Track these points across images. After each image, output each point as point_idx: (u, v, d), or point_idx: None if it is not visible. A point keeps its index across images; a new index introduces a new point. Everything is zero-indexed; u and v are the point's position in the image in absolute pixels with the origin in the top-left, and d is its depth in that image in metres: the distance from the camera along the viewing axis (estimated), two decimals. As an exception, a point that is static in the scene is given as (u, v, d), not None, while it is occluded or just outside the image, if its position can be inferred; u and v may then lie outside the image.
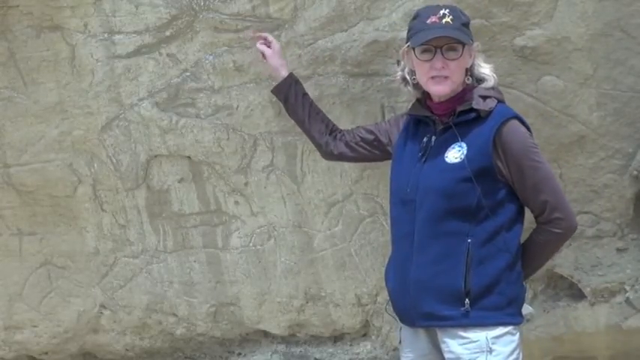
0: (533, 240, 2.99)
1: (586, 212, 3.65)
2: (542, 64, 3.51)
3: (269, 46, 3.55)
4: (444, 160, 2.93)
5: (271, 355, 4.32)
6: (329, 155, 3.49)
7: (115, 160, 4.13)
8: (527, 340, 3.70)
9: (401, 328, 3.11)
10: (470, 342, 2.88)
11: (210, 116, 3.98)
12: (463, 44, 2.95)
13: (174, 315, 4.31)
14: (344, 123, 3.82)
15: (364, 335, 4.17)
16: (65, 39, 4.04)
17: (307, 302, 4.12)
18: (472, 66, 3.02)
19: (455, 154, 2.91)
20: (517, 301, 2.96)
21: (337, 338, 4.23)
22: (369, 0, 3.67)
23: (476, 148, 2.90)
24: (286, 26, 3.79)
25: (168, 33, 3.94)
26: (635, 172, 3.57)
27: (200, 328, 4.30)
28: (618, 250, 3.69)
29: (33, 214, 4.31)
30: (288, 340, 4.29)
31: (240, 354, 4.39)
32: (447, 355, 2.94)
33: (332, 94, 3.81)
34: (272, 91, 3.53)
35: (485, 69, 3.03)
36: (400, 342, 3.13)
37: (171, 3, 3.89)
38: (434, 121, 3.02)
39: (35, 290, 4.42)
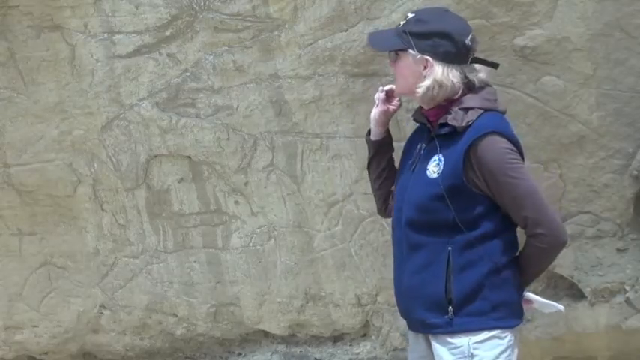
0: (523, 251, 2.96)
1: (586, 212, 3.65)
2: (542, 64, 3.51)
3: (392, 103, 3.22)
4: (425, 173, 2.91)
5: (271, 355, 4.32)
6: (388, 215, 3.36)
7: (115, 160, 4.13)
8: (527, 340, 3.70)
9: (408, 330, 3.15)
10: (454, 347, 2.89)
11: (210, 116, 3.98)
12: (402, 51, 2.92)
13: (175, 315, 4.31)
14: (344, 123, 3.83)
15: (364, 335, 4.18)
16: (65, 39, 4.04)
17: (307, 302, 4.12)
18: (436, 77, 2.88)
19: (434, 168, 2.89)
20: (505, 305, 2.91)
21: (337, 338, 4.23)
22: (369, 0, 3.67)
23: (449, 165, 2.86)
24: (286, 26, 3.79)
25: (168, 33, 3.94)
26: (635, 172, 3.57)
27: (200, 328, 4.30)
28: (618, 250, 3.69)
29: (33, 214, 4.31)
30: (288, 340, 4.29)
31: (240, 354, 4.39)
32: (436, 359, 2.97)
33: (332, 94, 3.81)
34: (366, 140, 3.30)
35: (474, 74, 2.93)
36: (408, 343, 3.16)
37: (171, 3, 3.89)
38: (428, 128, 3.00)
39: (35, 290, 4.42)
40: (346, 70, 3.76)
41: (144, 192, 4.16)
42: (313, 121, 3.88)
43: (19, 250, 4.39)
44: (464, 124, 2.85)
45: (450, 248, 2.86)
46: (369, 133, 3.27)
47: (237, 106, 3.95)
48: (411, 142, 3.10)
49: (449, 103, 2.91)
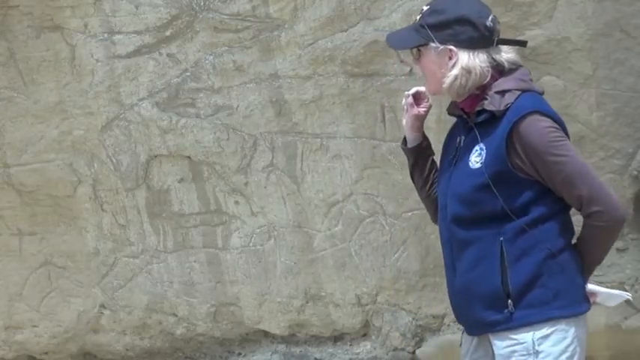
0: (581, 235, 2.80)
1: (586, 212, 3.65)
2: (542, 64, 3.51)
3: (421, 106, 3.03)
4: (467, 165, 2.76)
5: (271, 355, 4.32)
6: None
7: (115, 160, 4.13)
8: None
9: (463, 331, 2.94)
10: (517, 343, 2.73)
11: (210, 116, 3.98)
12: (424, 46, 2.78)
13: (174, 315, 4.31)
14: (344, 123, 3.83)
15: (364, 335, 4.17)
16: (65, 39, 4.04)
17: (307, 302, 4.12)
18: (463, 67, 2.77)
19: (476, 157, 2.75)
20: (567, 292, 2.77)
21: (337, 338, 4.23)
22: (369, 0, 3.67)
23: (492, 152, 2.72)
24: (286, 26, 3.79)
25: (168, 33, 3.94)
26: (635, 172, 3.56)
27: (200, 328, 4.30)
28: (618, 250, 3.69)
29: (33, 214, 4.31)
30: (288, 340, 4.29)
31: (240, 354, 4.39)
32: (497, 358, 2.80)
33: (332, 94, 3.81)
34: (403, 149, 3.09)
35: (504, 56, 2.79)
36: (461, 345, 2.95)
37: (171, 3, 3.89)
38: (465, 120, 2.83)
39: (35, 290, 4.42)
40: (346, 70, 3.76)
41: (144, 192, 4.16)
42: (313, 121, 3.88)
43: (19, 250, 4.39)
44: (502, 108, 2.72)
45: (501, 239, 2.71)
46: (404, 142, 3.06)
47: (237, 106, 3.95)
48: (450, 138, 2.94)
49: (482, 90, 2.78)
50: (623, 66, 3.48)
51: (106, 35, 4.00)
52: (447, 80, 2.77)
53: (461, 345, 2.96)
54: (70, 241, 4.31)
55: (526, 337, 2.72)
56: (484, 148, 2.74)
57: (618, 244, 3.68)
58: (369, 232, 3.95)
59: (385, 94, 3.75)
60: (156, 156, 4.10)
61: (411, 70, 3.70)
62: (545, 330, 2.73)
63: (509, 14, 3.48)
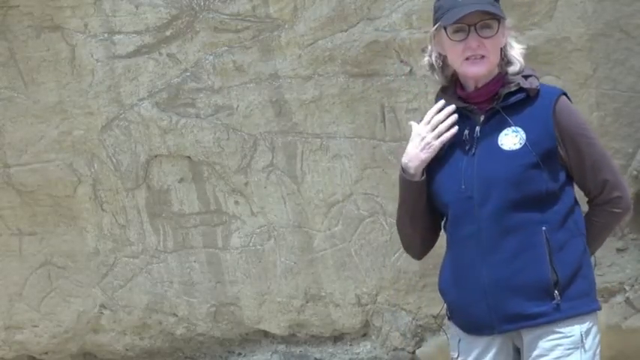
0: (592, 222, 2.76)
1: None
2: (542, 64, 3.51)
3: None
4: (499, 148, 2.67)
5: (271, 355, 4.32)
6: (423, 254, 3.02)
7: (115, 160, 4.13)
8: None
9: (459, 340, 2.79)
10: (564, 337, 2.65)
11: (210, 116, 3.98)
12: (498, 20, 2.69)
13: (175, 315, 4.31)
14: (344, 123, 3.82)
15: (364, 335, 4.17)
16: (65, 39, 4.04)
17: (307, 302, 4.12)
18: (505, 46, 2.74)
19: (512, 139, 2.67)
20: (595, 285, 2.76)
21: (337, 338, 4.23)
22: (369, 0, 3.67)
23: (537, 131, 2.66)
24: (286, 26, 3.79)
25: (168, 33, 3.94)
26: (635, 172, 3.56)
27: (200, 328, 4.30)
28: (618, 250, 3.69)
29: (33, 214, 4.31)
30: (288, 340, 4.29)
31: (240, 354, 4.39)
32: (532, 355, 2.68)
33: (332, 94, 3.81)
34: (406, 180, 2.78)
35: (515, 51, 2.77)
36: (458, 356, 2.80)
37: (171, 3, 3.89)
38: (471, 111, 2.73)
39: (35, 290, 4.42)
40: (346, 70, 3.76)
41: (144, 192, 4.16)
42: (313, 121, 3.88)
43: (19, 250, 4.39)
44: (534, 87, 2.69)
45: (544, 228, 2.64)
46: (408, 175, 2.76)
47: (237, 106, 3.95)
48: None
49: (496, 78, 2.73)
50: (623, 66, 3.48)
51: (106, 35, 4.00)
52: (518, 58, 2.74)
53: (458, 356, 2.81)
54: (70, 241, 4.31)
55: (574, 330, 2.66)
56: (519, 129, 2.67)
57: (618, 244, 3.68)
58: (369, 232, 3.95)
59: (385, 94, 3.75)
60: (156, 156, 4.10)
61: (411, 70, 3.70)
62: (588, 323, 2.69)
63: (509, 14, 3.45)
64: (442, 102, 2.75)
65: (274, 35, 3.80)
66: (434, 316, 3.98)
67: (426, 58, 2.82)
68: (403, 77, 3.73)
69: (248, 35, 3.85)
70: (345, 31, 3.73)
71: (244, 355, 4.38)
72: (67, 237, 4.31)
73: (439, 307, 3.89)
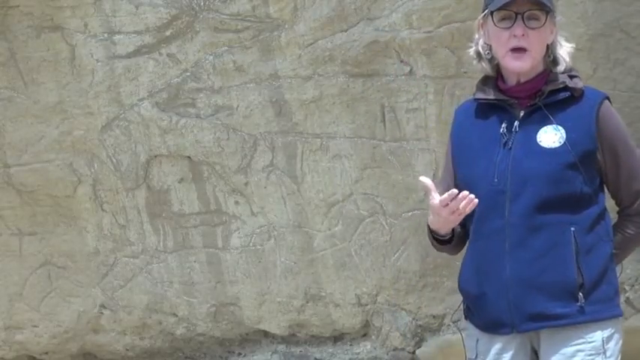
0: (621, 233, 2.73)
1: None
2: (542, 64, 3.51)
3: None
4: (538, 145, 2.63)
5: (271, 355, 4.32)
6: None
7: (115, 160, 4.13)
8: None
9: (477, 340, 2.74)
10: (585, 342, 2.62)
11: (210, 116, 3.98)
12: (547, 12, 2.65)
13: (175, 315, 4.31)
14: (344, 123, 3.82)
15: (364, 335, 4.17)
16: (65, 39, 4.04)
17: (307, 302, 4.12)
18: (553, 43, 2.70)
19: (551, 137, 2.63)
20: (619, 292, 2.74)
21: (337, 338, 4.23)
22: (369, 0, 3.67)
23: (579, 131, 2.62)
24: (286, 26, 3.79)
25: (168, 33, 3.94)
26: (635, 172, 3.56)
27: (200, 328, 4.30)
28: (618, 250, 3.68)
29: (33, 214, 4.31)
30: (288, 340, 4.29)
31: (240, 354, 4.39)
32: (551, 359, 2.65)
33: (332, 94, 3.81)
34: (441, 240, 2.78)
35: (563, 50, 2.72)
36: (476, 357, 2.74)
37: (171, 3, 3.89)
38: (511, 104, 2.69)
39: (35, 290, 4.42)
40: (346, 70, 3.76)
41: (144, 192, 4.16)
42: (313, 121, 3.88)
43: (19, 250, 4.39)
44: (579, 88, 2.67)
45: (572, 229, 2.60)
46: (435, 233, 2.75)
47: (237, 106, 3.95)
48: (475, 125, 2.76)
49: (541, 75, 2.69)
50: (623, 66, 3.48)
51: (106, 35, 4.00)
52: (565, 52, 2.70)
53: (476, 357, 2.74)
54: (70, 241, 4.31)
55: (595, 335, 2.64)
56: (559, 128, 2.64)
57: (618, 244, 3.67)
58: (369, 232, 3.95)
59: (385, 94, 3.75)
60: (156, 156, 4.10)
61: (411, 70, 3.70)
62: (610, 329, 2.67)
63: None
64: (458, 192, 2.61)
65: (274, 35, 3.80)
66: (434, 316, 3.98)
67: (473, 47, 2.78)
68: (403, 77, 3.73)
69: (248, 35, 3.85)
70: (345, 31, 3.73)
71: (244, 355, 4.38)
72: (67, 237, 4.31)
73: (439, 307, 3.89)
